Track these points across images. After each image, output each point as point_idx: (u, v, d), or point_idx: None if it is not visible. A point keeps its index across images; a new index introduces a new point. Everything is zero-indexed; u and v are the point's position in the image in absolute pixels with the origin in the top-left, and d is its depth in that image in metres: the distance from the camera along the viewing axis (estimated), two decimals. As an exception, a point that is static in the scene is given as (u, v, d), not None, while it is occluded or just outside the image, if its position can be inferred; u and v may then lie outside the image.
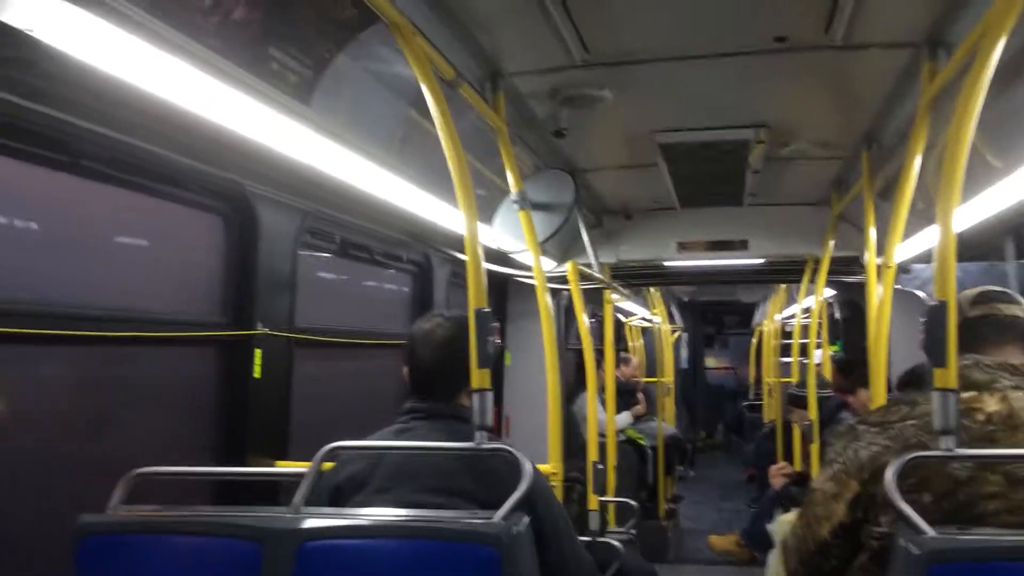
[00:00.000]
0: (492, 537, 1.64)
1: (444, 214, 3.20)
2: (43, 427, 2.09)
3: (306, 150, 2.23)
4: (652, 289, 8.30)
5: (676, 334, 11.22)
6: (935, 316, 1.67)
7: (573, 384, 6.69)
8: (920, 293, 4.49)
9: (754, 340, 11.54)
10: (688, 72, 2.76)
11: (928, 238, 3.53)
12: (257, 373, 2.60)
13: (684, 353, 13.71)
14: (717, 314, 14.99)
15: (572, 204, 2.74)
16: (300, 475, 1.79)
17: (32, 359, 2.06)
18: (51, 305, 2.06)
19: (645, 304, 8.84)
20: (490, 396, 1.86)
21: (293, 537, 1.70)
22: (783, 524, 4.78)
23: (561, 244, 4.99)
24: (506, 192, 2.89)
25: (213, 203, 2.56)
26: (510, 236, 2.87)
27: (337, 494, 1.97)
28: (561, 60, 2.58)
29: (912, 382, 3.40)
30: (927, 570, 1.41)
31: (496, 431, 4.83)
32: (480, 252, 1.96)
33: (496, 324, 1.92)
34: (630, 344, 9.19)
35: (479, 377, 1.85)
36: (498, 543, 1.64)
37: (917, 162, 2.50)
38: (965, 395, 1.64)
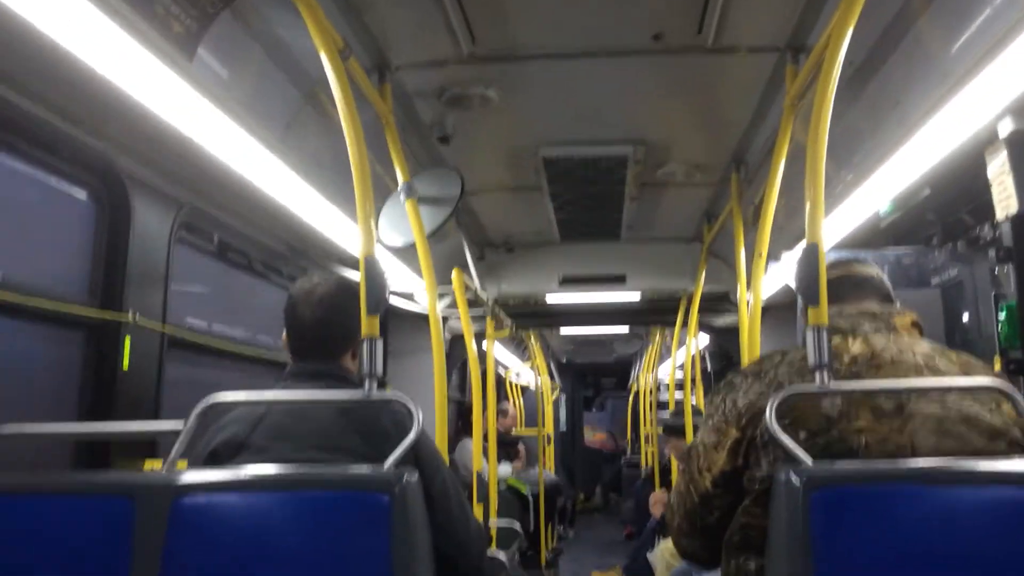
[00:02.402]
0: (382, 483, 1.59)
1: (326, 219, 3.15)
2: None
3: (185, 116, 2.14)
4: (534, 341, 8.39)
5: (556, 392, 11.31)
6: (807, 258, 1.76)
7: (453, 433, 6.61)
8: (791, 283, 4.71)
9: (631, 397, 11.74)
10: (571, 73, 2.86)
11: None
12: (126, 365, 2.44)
13: (563, 415, 13.77)
14: (595, 376, 15.23)
15: (459, 196, 2.76)
16: (177, 432, 1.69)
17: None
18: None
19: (527, 360, 8.94)
20: (380, 345, 1.81)
21: (166, 492, 1.60)
22: (663, 553, 4.81)
23: (447, 273, 5.00)
24: (392, 191, 2.89)
25: (78, 173, 2.41)
26: (395, 232, 2.85)
27: (213, 459, 1.84)
28: (448, 52, 2.63)
29: None
30: (809, 498, 1.45)
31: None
32: (372, 217, 1.95)
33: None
34: (511, 400, 9.20)
35: (369, 324, 1.80)
36: (388, 489, 1.58)
37: (781, 168, 2.62)
38: (831, 341, 1.70)
